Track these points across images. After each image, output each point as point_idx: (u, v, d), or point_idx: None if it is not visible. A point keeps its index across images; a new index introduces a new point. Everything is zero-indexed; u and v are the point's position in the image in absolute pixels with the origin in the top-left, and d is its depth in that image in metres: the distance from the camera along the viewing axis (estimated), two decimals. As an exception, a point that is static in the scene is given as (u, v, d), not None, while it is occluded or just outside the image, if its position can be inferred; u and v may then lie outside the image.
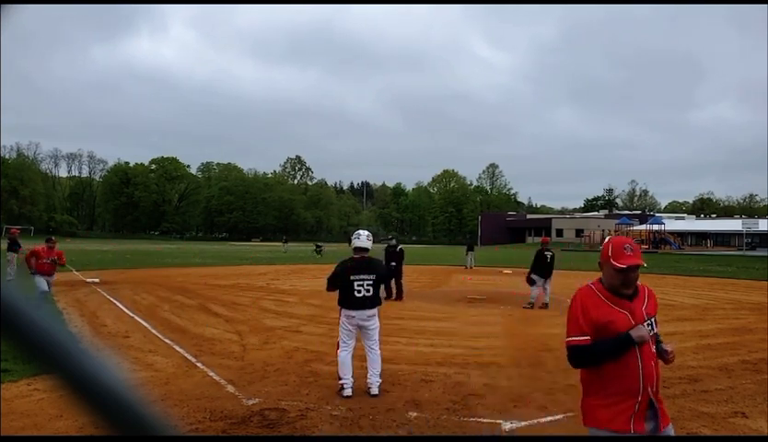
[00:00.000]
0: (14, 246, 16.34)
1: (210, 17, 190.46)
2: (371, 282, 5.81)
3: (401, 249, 13.97)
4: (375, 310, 5.85)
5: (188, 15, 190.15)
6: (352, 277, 5.76)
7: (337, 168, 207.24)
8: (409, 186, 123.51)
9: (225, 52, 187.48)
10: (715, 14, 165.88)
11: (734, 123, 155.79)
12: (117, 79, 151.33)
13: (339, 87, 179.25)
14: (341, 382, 5.63)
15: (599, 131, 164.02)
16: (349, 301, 5.74)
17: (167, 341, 8.25)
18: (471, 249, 27.47)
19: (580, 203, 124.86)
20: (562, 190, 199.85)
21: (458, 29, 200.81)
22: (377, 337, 5.88)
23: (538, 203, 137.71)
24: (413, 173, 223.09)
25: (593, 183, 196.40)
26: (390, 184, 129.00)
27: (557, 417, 5.02)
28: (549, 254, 12.63)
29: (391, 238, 14.02)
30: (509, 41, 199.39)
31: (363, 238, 6.00)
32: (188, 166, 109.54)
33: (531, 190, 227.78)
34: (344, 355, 5.72)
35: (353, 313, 5.74)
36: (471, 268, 25.84)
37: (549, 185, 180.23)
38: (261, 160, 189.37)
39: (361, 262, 5.90)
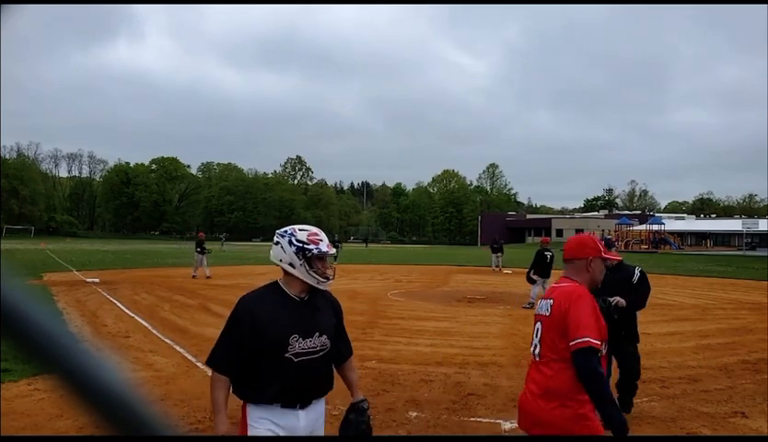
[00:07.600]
0: (201, 247, 19.31)
1: (183, 24, 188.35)
2: None
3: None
4: None
5: (163, 21, 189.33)
6: None
7: (336, 168, 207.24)
8: (409, 186, 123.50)
9: (203, 58, 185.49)
10: (689, 15, 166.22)
11: (712, 126, 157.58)
12: (108, 84, 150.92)
13: (323, 91, 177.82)
14: None
15: (582, 132, 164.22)
16: None
17: (167, 341, 8.25)
18: (499, 250, 25.71)
19: (580, 204, 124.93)
20: (556, 189, 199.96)
21: (426, 33, 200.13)
22: None
23: (538, 203, 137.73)
24: (413, 173, 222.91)
25: (583, 183, 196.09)
26: (390, 184, 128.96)
27: (557, 417, 5.02)
28: (549, 254, 12.65)
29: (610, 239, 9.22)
30: (481, 48, 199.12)
31: None
32: (188, 166, 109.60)
33: (531, 190, 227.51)
34: None
35: None
36: (497, 269, 24.60)
37: (540, 185, 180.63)
38: (259, 162, 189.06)
39: None
